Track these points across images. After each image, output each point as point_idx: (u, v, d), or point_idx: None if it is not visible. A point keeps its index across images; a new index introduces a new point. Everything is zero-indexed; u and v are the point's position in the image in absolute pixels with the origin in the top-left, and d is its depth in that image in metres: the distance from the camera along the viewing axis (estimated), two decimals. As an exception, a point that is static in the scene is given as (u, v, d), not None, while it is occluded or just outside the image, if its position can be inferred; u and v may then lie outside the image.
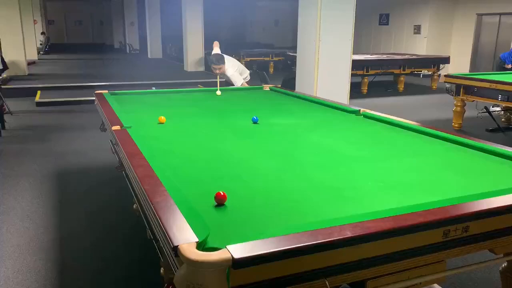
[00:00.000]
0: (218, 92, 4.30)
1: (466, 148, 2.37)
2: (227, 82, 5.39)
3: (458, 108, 6.47)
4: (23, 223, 3.35)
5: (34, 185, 4.16)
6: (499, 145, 2.29)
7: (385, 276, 1.44)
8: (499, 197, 1.60)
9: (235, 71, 5.32)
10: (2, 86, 6.61)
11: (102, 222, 3.42)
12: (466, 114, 6.52)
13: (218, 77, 5.09)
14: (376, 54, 12.42)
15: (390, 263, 1.41)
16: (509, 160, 2.13)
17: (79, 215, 3.53)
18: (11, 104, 7.56)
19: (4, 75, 7.35)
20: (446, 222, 1.42)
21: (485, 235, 1.55)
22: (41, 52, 18.28)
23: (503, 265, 2.07)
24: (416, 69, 11.01)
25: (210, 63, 5.30)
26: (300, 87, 6.14)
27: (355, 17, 5.87)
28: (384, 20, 14.77)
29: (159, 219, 1.38)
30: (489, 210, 1.51)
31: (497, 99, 5.86)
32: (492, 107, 6.72)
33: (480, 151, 2.29)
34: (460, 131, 6.15)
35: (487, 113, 6.40)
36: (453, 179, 1.92)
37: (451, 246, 1.48)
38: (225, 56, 5.32)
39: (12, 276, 2.64)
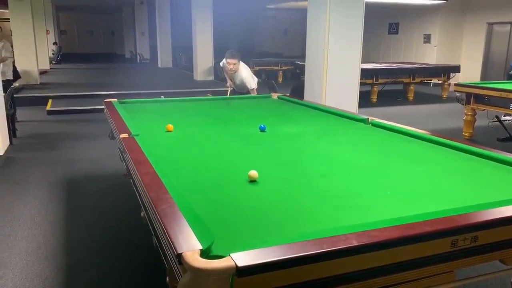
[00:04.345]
0: (228, 86, 4.27)
1: (475, 156, 2.34)
2: (236, 91, 5.39)
3: (469, 117, 6.41)
4: (32, 230, 3.37)
5: (43, 192, 4.19)
6: (509, 154, 2.26)
7: (392, 286, 1.41)
8: (509, 206, 1.57)
9: (249, 73, 5.28)
10: (14, 95, 6.74)
11: (110, 229, 3.42)
12: (476, 123, 6.46)
13: (227, 79, 5.06)
14: (385, 63, 12.38)
15: (397, 273, 1.39)
16: (519, 169, 2.10)
17: (87, 222, 3.55)
18: (22, 112, 7.66)
19: (16, 84, 7.49)
20: (454, 232, 1.40)
21: (495, 245, 1.52)
22: (53, 62, 18.53)
23: (515, 277, 2.03)
24: (426, 78, 10.95)
25: (225, 59, 5.16)
26: (309, 95, 6.13)
27: (364, 26, 5.87)
28: (393, 29, 14.74)
29: (164, 226, 1.38)
30: (499, 220, 1.48)
31: (509, 108, 5.80)
32: (504, 116, 6.65)
33: (490, 160, 2.26)
34: (471, 140, 6.08)
35: (498, 122, 6.33)
36: (461, 188, 1.90)
37: (460, 256, 1.46)
38: None
39: (20, 283, 2.65)
